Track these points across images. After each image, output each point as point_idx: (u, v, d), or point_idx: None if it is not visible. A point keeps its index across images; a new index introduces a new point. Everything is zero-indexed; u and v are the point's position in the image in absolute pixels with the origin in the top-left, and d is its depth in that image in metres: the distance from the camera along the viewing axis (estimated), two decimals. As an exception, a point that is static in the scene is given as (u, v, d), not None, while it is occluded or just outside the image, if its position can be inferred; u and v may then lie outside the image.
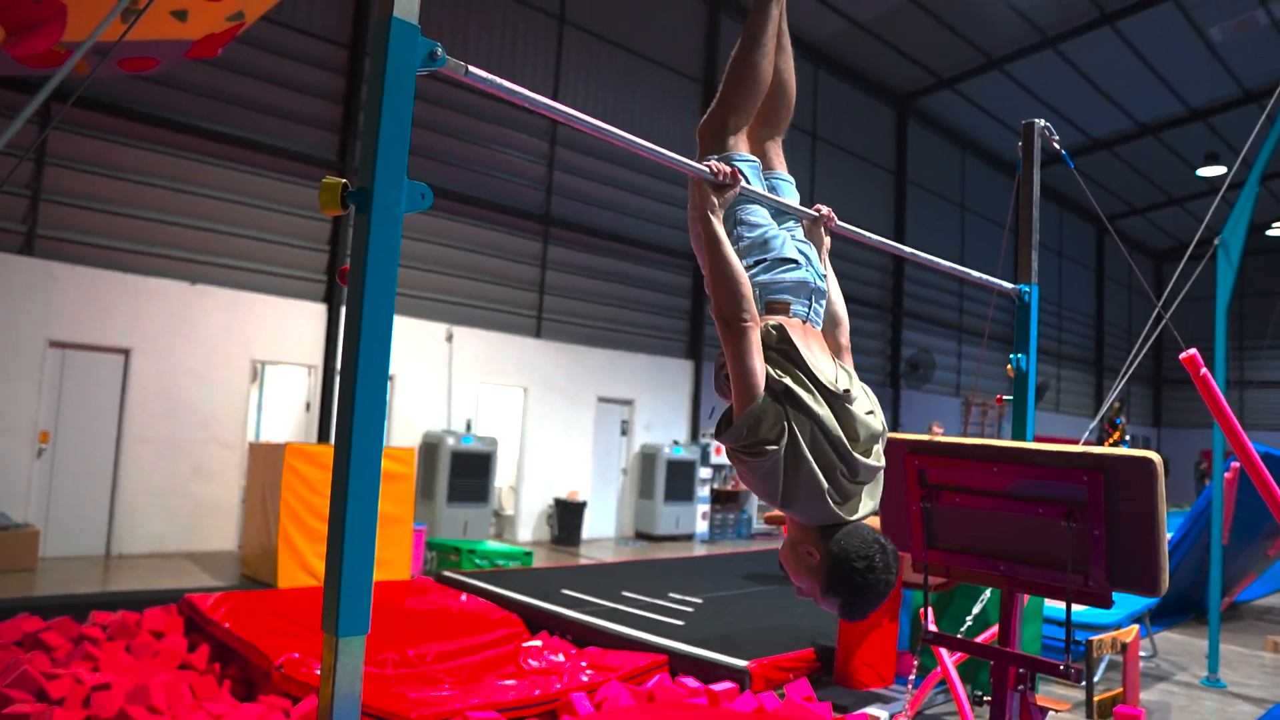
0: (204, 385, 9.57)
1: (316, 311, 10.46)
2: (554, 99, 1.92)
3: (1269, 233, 24.55)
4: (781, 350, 2.07)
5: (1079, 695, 5.54)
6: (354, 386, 1.40)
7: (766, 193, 2.40)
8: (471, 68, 1.63)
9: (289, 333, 10.25)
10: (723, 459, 14.48)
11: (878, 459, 2.08)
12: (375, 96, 1.46)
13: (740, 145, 2.42)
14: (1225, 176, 6.14)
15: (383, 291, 1.43)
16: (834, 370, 2.13)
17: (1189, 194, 24.36)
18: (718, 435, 2.04)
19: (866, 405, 2.11)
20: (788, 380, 2.01)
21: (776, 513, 2.17)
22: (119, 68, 5.46)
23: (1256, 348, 25.77)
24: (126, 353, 9.09)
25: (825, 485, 1.96)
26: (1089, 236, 26.56)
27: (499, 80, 1.69)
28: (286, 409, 11.54)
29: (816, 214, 2.50)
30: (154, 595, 6.67)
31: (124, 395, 9.08)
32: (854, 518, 2.03)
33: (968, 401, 20.30)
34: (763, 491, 2.00)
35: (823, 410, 2.01)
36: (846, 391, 2.08)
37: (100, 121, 8.98)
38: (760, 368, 1.99)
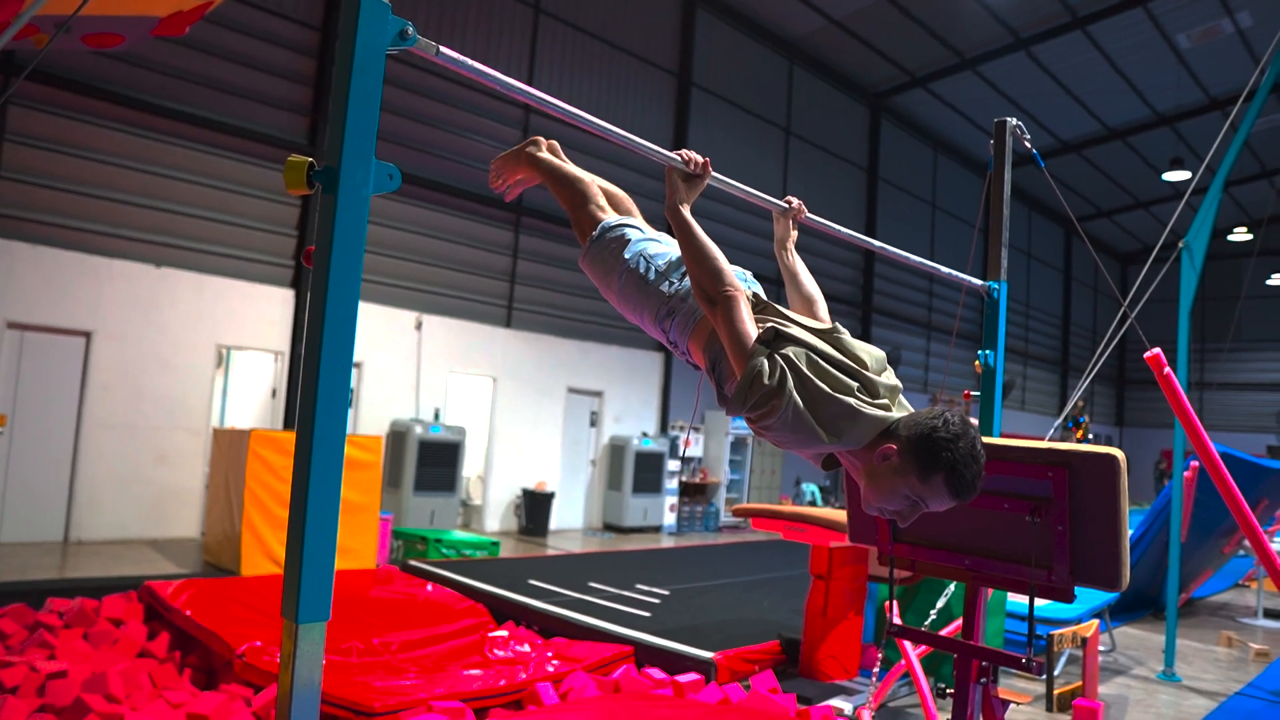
0: (168, 370, 9.42)
1: (284, 297, 10.33)
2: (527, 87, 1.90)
3: (1230, 238, 25.02)
4: (764, 309, 2.11)
5: (1040, 688, 5.62)
6: (318, 367, 1.37)
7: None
8: (442, 48, 1.61)
9: (255, 318, 10.11)
10: (692, 451, 14.52)
11: (892, 379, 2.04)
12: (344, 74, 1.43)
13: (612, 216, 2.53)
14: (1190, 182, 6.24)
15: (348, 272, 1.41)
16: (814, 322, 2.16)
17: (1154, 198, 24.75)
18: (730, 410, 1.99)
19: (860, 342, 2.11)
20: (774, 325, 2.02)
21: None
22: (83, 43, 5.34)
23: (1216, 350, 26.28)
24: (88, 335, 8.92)
25: (853, 401, 1.90)
26: (1057, 238, 26.90)
27: (469, 61, 1.66)
28: (252, 395, 11.40)
29: (787, 205, 2.54)
30: (113, 582, 6.56)
31: (85, 379, 8.91)
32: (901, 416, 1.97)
33: (934, 398, 20.50)
34: (803, 441, 1.91)
35: (815, 340, 1.99)
36: (835, 325, 2.08)
37: (64, 99, 8.79)
38: (752, 330, 1.99)
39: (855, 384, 1.94)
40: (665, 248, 2.41)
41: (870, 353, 2.05)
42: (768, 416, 1.88)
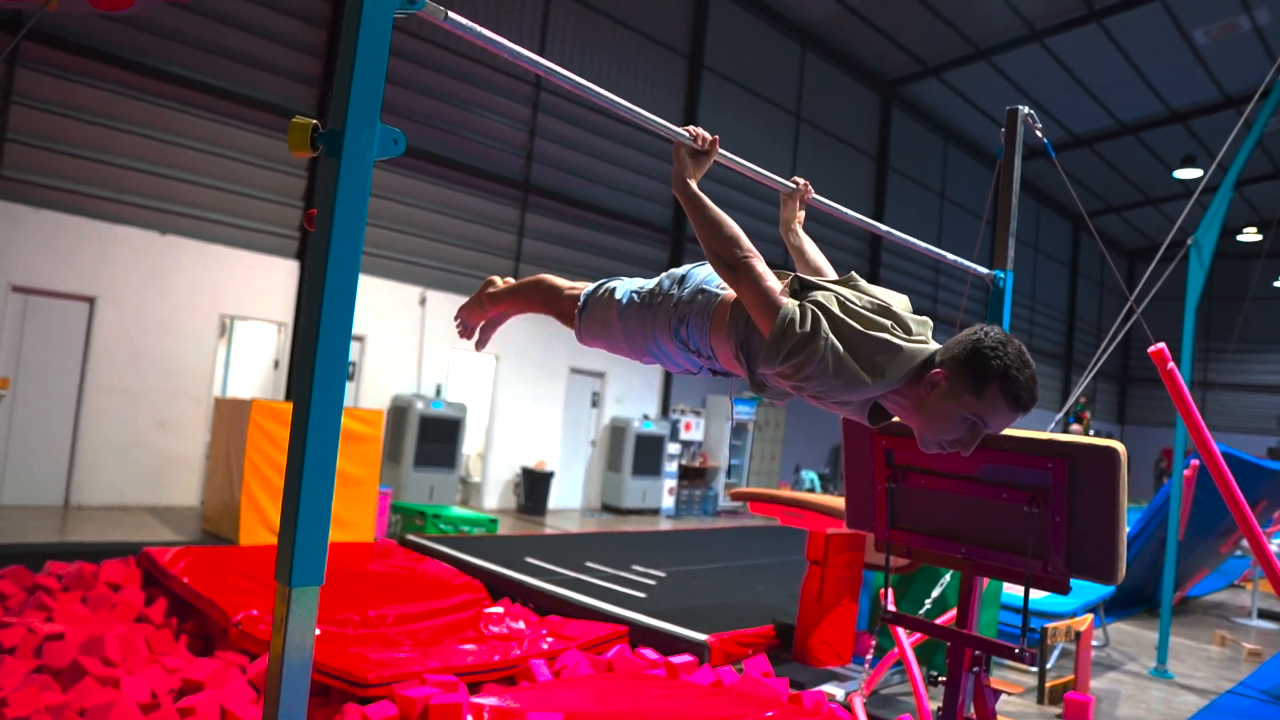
0: (171, 338, 9.43)
1: (288, 268, 10.31)
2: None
3: (1240, 238, 24.88)
4: (780, 278, 2.09)
5: (1032, 680, 5.63)
6: (317, 326, 1.37)
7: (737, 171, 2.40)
8: (451, 13, 1.59)
9: (260, 288, 10.11)
10: (692, 435, 14.52)
11: (920, 315, 2.02)
12: (350, 36, 1.41)
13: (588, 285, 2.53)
14: (1201, 179, 6.21)
15: (350, 236, 1.40)
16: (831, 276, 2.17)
17: (1165, 195, 24.61)
18: (765, 366, 1.92)
19: (881, 288, 2.09)
20: (797, 275, 2.01)
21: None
22: (91, 5, 5.30)
23: (1221, 350, 26.18)
24: (92, 301, 8.93)
25: (889, 336, 1.87)
26: (1065, 232, 26.79)
27: (478, 28, 1.64)
28: (254, 366, 11.42)
29: (794, 186, 2.52)
30: (112, 547, 6.59)
31: (88, 344, 8.92)
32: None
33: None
34: (846, 385, 1.85)
35: (841, 287, 1.98)
36: (852, 274, 2.07)
37: (71, 62, 8.75)
38: (777, 284, 1.96)
39: (888, 321, 1.91)
40: (650, 278, 2.42)
41: (893, 295, 2.04)
42: (806, 365, 1.82)
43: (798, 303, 1.89)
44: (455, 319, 2.82)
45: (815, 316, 1.84)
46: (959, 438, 1.90)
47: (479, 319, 2.80)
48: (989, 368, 1.82)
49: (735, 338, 2.12)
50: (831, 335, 1.82)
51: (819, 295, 1.90)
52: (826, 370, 1.82)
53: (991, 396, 1.84)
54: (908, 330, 1.93)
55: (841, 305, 1.89)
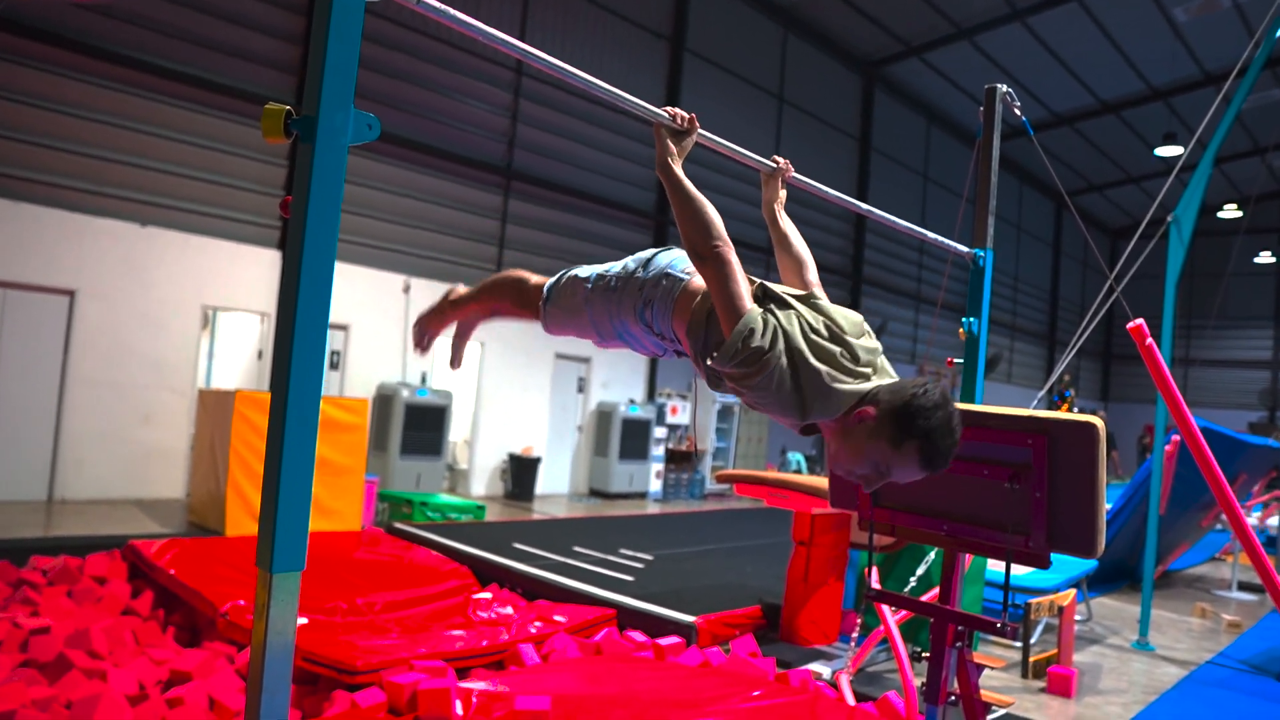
0: (153, 330, 9.36)
1: (270, 258, 10.25)
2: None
3: (1220, 215, 25.04)
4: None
5: (1016, 656, 5.70)
6: (294, 312, 1.36)
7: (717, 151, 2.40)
8: (424, -3, 1.58)
9: (242, 278, 10.04)
10: (679, 419, 14.55)
11: (871, 341, 2.06)
12: (323, 20, 1.41)
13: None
14: (1181, 157, 6.23)
15: (325, 221, 1.39)
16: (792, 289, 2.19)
17: (1146, 173, 24.72)
18: (718, 364, 1.96)
19: (836, 307, 2.13)
20: (762, 282, 2.05)
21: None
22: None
23: (1202, 327, 26.39)
24: (72, 294, 8.84)
25: (828, 378, 1.91)
26: (1047, 212, 26.89)
27: (451, 10, 1.63)
28: (238, 356, 11.36)
29: (774, 165, 2.53)
30: (97, 541, 6.55)
31: (69, 338, 8.84)
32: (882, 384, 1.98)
33: (921, 367, 20.57)
34: (780, 405, 1.92)
35: (801, 305, 2.02)
36: (812, 291, 2.12)
37: (46, 53, 8.63)
38: (745, 285, 1.99)
39: (838, 349, 1.95)
40: (617, 263, 2.43)
41: (847, 317, 2.07)
42: (753, 376, 1.88)
43: (761, 312, 1.94)
44: (413, 329, 2.81)
45: (775, 333, 1.90)
46: (865, 475, 1.98)
47: (439, 328, 2.81)
48: (914, 425, 1.88)
49: (697, 327, 2.15)
50: (784, 358, 1.88)
51: (781, 315, 1.95)
52: (769, 387, 1.89)
53: (908, 452, 1.90)
54: (856, 359, 1.98)
55: (801, 328, 1.94)
